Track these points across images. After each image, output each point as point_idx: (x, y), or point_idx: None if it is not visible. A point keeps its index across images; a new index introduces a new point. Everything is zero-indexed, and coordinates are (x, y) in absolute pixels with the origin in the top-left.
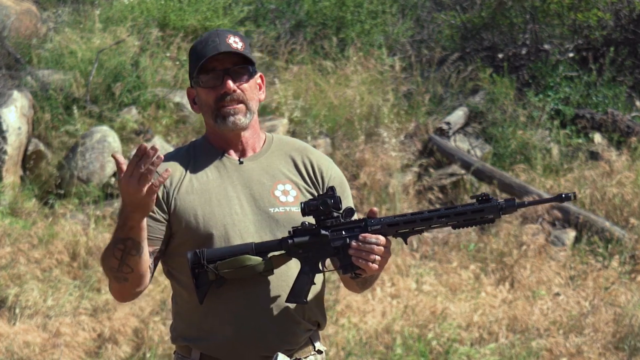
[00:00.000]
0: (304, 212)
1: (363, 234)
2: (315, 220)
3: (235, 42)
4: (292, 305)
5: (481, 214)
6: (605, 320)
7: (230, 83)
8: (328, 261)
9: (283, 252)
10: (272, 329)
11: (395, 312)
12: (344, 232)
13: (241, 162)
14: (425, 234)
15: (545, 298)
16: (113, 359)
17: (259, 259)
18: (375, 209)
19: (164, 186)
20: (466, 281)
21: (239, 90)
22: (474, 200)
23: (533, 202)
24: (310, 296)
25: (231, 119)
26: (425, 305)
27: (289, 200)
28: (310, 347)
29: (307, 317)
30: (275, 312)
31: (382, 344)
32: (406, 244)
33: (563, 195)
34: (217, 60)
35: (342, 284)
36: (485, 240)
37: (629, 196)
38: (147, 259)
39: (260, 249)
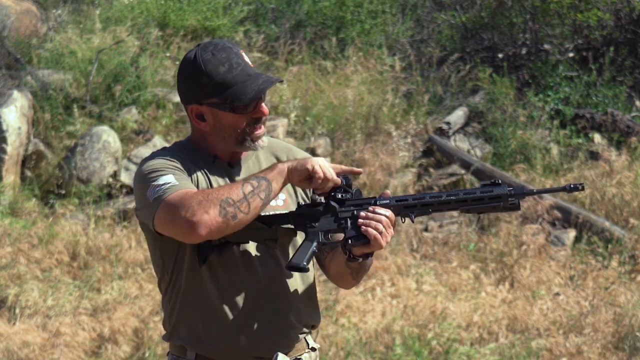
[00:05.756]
0: None
1: (373, 206)
2: (325, 196)
3: (248, 58)
4: (287, 310)
5: (490, 198)
6: (605, 320)
7: (265, 108)
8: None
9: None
10: (268, 333)
11: (395, 312)
12: (352, 207)
13: (231, 166)
14: (425, 233)
15: (545, 298)
16: (113, 359)
17: (265, 225)
18: (388, 191)
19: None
20: (466, 281)
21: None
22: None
23: (542, 190)
24: (304, 298)
25: (260, 142)
26: (425, 305)
27: (278, 204)
28: (305, 345)
29: (304, 321)
30: (271, 317)
31: (382, 344)
32: (413, 222)
33: (571, 186)
34: None
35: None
36: (485, 240)
37: (629, 196)
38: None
39: (266, 219)
